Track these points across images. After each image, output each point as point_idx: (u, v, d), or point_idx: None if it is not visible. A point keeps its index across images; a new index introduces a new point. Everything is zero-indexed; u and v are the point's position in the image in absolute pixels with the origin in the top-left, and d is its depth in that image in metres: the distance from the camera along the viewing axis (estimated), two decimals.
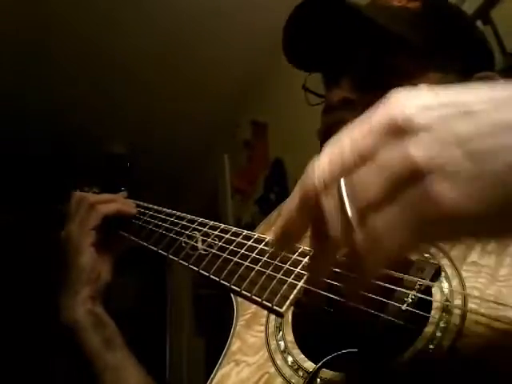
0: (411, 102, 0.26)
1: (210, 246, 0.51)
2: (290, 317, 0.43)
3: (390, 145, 0.26)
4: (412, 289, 0.38)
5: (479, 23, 1.03)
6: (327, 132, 0.60)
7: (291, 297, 0.41)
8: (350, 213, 0.26)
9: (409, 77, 0.55)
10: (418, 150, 0.24)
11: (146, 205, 0.70)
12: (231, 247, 0.49)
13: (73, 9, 1.94)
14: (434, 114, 0.25)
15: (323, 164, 0.29)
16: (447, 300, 0.36)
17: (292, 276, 0.42)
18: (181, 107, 2.47)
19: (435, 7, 0.62)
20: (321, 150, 0.55)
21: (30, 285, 2.97)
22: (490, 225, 0.24)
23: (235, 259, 0.48)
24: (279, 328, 0.44)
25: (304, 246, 0.44)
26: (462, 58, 0.59)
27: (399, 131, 0.26)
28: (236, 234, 0.51)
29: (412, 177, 0.24)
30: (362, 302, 0.35)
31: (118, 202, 0.72)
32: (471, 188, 0.23)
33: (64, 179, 0.77)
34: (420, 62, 0.56)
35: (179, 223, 0.60)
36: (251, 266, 0.45)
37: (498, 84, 0.26)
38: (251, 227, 0.53)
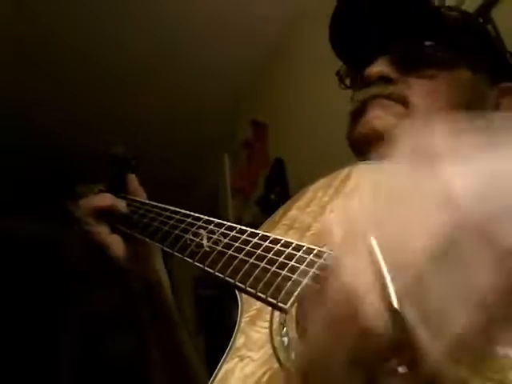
0: None
1: (216, 243, 0.52)
2: (294, 313, 0.43)
3: None
4: None
5: None
6: (361, 108, 0.61)
7: (296, 293, 0.41)
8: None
9: (442, 67, 0.59)
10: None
11: (152, 203, 0.71)
12: (236, 244, 0.50)
13: (67, 20, 1.97)
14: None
15: None
16: None
17: (297, 273, 0.42)
18: (181, 108, 2.47)
19: (470, 18, 0.69)
20: (351, 128, 0.57)
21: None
22: None
23: (240, 256, 0.48)
24: (283, 324, 0.44)
25: (307, 244, 0.45)
26: (489, 64, 0.63)
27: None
28: (241, 232, 0.51)
29: None
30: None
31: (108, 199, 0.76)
32: None
33: (69, 181, 0.81)
34: (455, 56, 0.60)
35: (185, 220, 0.60)
36: (256, 263, 0.46)
37: None
38: (252, 227, 0.53)
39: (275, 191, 1.86)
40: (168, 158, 2.77)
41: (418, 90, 0.59)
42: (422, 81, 0.59)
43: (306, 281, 0.40)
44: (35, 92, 2.31)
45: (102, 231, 0.73)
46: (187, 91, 2.38)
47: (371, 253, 0.24)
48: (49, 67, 2.20)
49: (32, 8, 1.89)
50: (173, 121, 2.56)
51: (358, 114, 0.62)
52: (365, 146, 0.59)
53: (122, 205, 0.75)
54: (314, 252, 0.42)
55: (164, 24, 2.03)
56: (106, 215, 0.75)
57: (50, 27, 2.00)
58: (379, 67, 0.60)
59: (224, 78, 2.31)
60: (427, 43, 0.60)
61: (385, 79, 0.60)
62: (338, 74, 0.71)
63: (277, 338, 0.43)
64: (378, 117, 0.58)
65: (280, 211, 0.54)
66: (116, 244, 0.73)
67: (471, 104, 0.59)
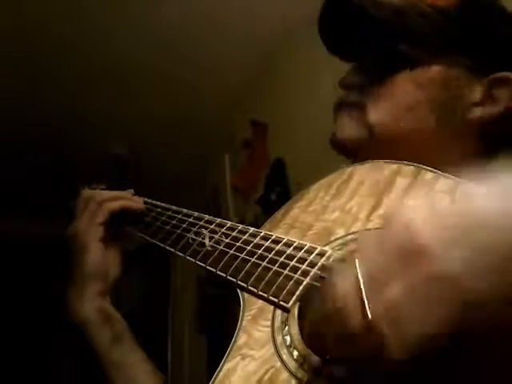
0: (415, 227, 0.29)
1: (217, 242, 0.52)
2: (296, 312, 0.44)
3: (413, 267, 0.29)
4: None
5: None
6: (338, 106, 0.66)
7: (297, 292, 0.42)
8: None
9: (412, 65, 0.59)
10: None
11: (154, 202, 0.71)
12: (238, 244, 0.50)
13: (68, 20, 1.98)
14: (443, 234, 0.28)
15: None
16: None
17: (298, 272, 0.42)
18: (181, 108, 2.48)
19: (471, 7, 0.62)
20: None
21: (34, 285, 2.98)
22: None
23: (242, 256, 0.48)
24: (285, 323, 0.44)
25: (309, 244, 0.45)
26: (480, 55, 0.59)
27: (413, 254, 0.29)
28: (243, 232, 0.52)
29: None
30: None
31: (126, 199, 0.72)
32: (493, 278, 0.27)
33: (70, 181, 0.79)
34: (423, 53, 0.59)
35: (186, 220, 0.61)
36: (258, 262, 0.46)
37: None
38: (254, 227, 0.53)
39: (275, 191, 1.87)
40: (168, 158, 2.77)
41: (376, 96, 0.61)
42: (383, 86, 0.61)
43: (307, 280, 0.41)
44: (35, 92, 2.32)
45: (100, 235, 0.69)
46: (187, 91, 2.38)
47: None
48: (48, 67, 2.20)
49: (31, 8, 1.90)
50: (173, 121, 2.56)
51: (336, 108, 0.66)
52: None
53: (138, 202, 0.72)
54: (316, 252, 0.43)
55: (164, 24, 2.03)
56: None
57: (49, 27, 2.00)
58: (352, 78, 0.64)
59: (224, 78, 2.31)
60: (392, 43, 0.60)
61: (356, 87, 0.63)
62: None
63: (279, 337, 0.44)
64: (345, 125, 0.63)
65: (281, 211, 0.55)
66: (96, 252, 0.68)
67: (447, 102, 0.59)
